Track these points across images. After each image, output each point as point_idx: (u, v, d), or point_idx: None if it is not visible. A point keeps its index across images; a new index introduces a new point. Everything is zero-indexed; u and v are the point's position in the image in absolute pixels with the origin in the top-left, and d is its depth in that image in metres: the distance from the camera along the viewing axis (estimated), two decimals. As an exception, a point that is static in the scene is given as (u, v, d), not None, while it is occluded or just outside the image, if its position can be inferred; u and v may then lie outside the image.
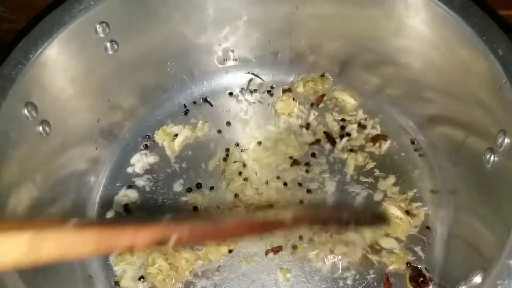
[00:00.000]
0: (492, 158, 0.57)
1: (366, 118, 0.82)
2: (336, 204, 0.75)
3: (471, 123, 0.63)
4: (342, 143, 0.80)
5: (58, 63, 0.66)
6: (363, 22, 0.75)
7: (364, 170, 0.77)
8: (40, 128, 0.64)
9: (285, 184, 0.77)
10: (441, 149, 0.74)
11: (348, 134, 0.81)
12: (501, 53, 0.55)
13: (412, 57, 0.72)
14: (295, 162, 0.78)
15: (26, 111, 0.61)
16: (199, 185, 0.77)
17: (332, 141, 0.80)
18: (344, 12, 0.76)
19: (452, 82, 0.66)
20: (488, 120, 0.58)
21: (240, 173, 0.78)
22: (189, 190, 0.77)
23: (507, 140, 0.54)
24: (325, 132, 0.81)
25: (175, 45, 0.81)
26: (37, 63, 0.62)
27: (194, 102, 0.86)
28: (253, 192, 0.76)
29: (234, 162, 0.79)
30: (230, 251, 0.72)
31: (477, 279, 0.45)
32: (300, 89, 0.86)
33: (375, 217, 0.70)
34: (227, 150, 0.81)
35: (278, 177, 0.78)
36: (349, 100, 0.84)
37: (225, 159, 0.80)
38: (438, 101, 0.72)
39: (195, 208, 0.75)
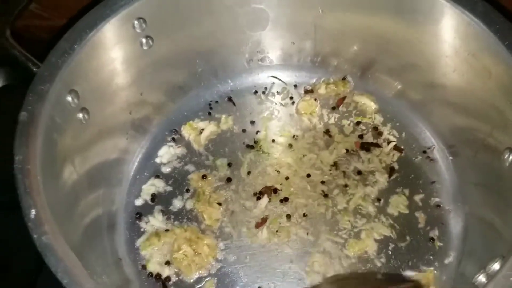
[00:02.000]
0: (511, 157, 0.60)
1: (383, 123, 0.85)
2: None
3: (491, 125, 0.66)
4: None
5: (99, 55, 0.70)
6: (386, 27, 0.78)
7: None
8: (81, 115, 0.67)
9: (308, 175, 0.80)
10: (460, 150, 0.77)
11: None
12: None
13: (434, 62, 0.75)
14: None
15: (69, 98, 0.65)
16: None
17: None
18: (367, 17, 0.79)
19: (473, 86, 0.69)
20: (507, 122, 0.61)
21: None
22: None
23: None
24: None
25: (204, 44, 0.84)
26: (81, 53, 0.66)
27: (218, 101, 0.90)
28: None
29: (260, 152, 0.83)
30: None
31: (496, 266, 0.48)
32: (321, 90, 0.89)
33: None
34: (251, 144, 0.84)
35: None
36: (368, 103, 0.87)
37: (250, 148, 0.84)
38: (458, 105, 0.75)
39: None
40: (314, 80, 0.91)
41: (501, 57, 0.61)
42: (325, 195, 0.78)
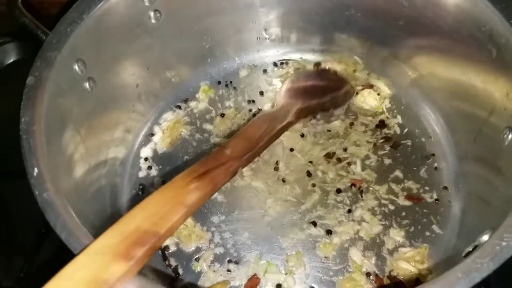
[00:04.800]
0: (510, 136, 0.60)
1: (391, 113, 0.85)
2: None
3: (493, 105, 0.66)
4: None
5: (107, 26, 0.71)
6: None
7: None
8: (87, 84, 0.69)
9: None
10: (461, 131, 0.77)
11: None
12: (526, 36, 0.58)
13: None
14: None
15: (76, 66, 0.66)
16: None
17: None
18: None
19: (476, 66, 0.69)
20: (510, 100, 0.61)
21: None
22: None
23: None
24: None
25: (212, 20, 0.85)
26: (89, 23, 0.68)
27: (226, 77, 0.91)
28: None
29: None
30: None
31: (485, 237, 0.48)
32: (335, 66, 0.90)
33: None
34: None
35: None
36: (383, 88, 0.87)
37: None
38: (464, 87, 0.75)
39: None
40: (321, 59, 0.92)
41: (506, 35, 0.61)
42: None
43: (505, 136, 0.61)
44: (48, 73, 0.61)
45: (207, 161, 0.68)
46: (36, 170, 0.52)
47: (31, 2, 0.73)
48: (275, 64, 0.92)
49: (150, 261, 0.71)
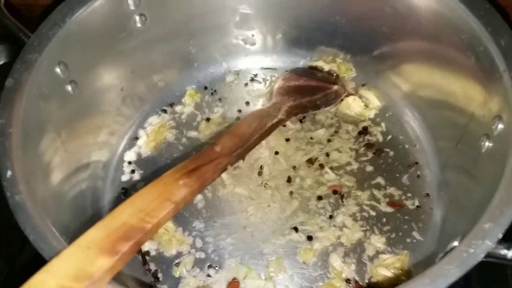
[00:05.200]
0: (486, 143, 0.60)
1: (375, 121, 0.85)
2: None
3: (472, 111, 0.66)
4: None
5: (90, 30, 0.71)
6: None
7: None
8: (69, 87, 0.69)
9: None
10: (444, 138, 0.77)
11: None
12: (503, 44, 0.58)
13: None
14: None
15: (58, 69, 0.66)
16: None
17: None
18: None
19: (456, 73, 0.69)
20: (487, 108, 0.61)
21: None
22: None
23: (500, 126, 0.57)
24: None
25: (197, 24, 0.85)
26: (72, 26, 0.68)
27: (212, 82, 0.91)
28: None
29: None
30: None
31: (455, 243, 0.48)
32: (326, 67, 0.90)
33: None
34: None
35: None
36: (373, 100, 0.87)
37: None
38: (445, 94, 0.75)
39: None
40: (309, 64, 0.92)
41: (483, 42, 0.61)
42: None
43: (483, 143, 0.61)
44: (28, 75, 0.61)
45: (197, 158, 0.68)
46: (9, 172, 0.52)
47: (15, 5, 0.73)
48: (262, 70, 0.92)
49: (129, 265, 0.72)
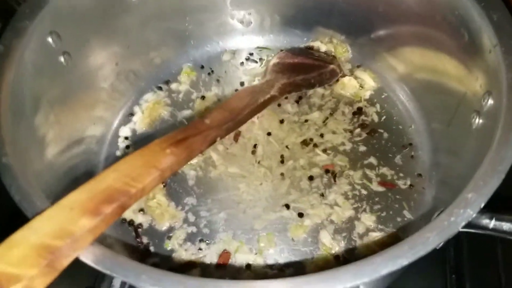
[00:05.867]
0: (477, 120, 0.60)
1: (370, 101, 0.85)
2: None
3: (464, 91, 0.66)
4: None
5: (83, 1, 0.71)
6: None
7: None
8: (62, 58, 0.69)
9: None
10: (437, 119, 0.77)
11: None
12: (495, 19, 0.58)
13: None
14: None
15: (50, 39, 0.66)
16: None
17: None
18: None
19: (450, 53, 0.68)
20: (478, 85, 0.61)
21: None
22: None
23: (490, 102, 0.56)
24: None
25: (194, 1, 0.85)
26: (64, -4, 0.67)
27: (209, 61, 0.91)
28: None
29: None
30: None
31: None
32: (322, 48, 0.90)
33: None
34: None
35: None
36: (368, 81, 0.87)
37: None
38: (439, 74, 0.74)
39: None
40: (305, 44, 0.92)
41: (476, 17, 0.61)
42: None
43: (473, 120, 0.60)
44: (18, 44, 0.61)
45: (186, 129, 0.68)
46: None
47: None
48: (258, 49, 0.92)
49: (122, 237, 0.73)
